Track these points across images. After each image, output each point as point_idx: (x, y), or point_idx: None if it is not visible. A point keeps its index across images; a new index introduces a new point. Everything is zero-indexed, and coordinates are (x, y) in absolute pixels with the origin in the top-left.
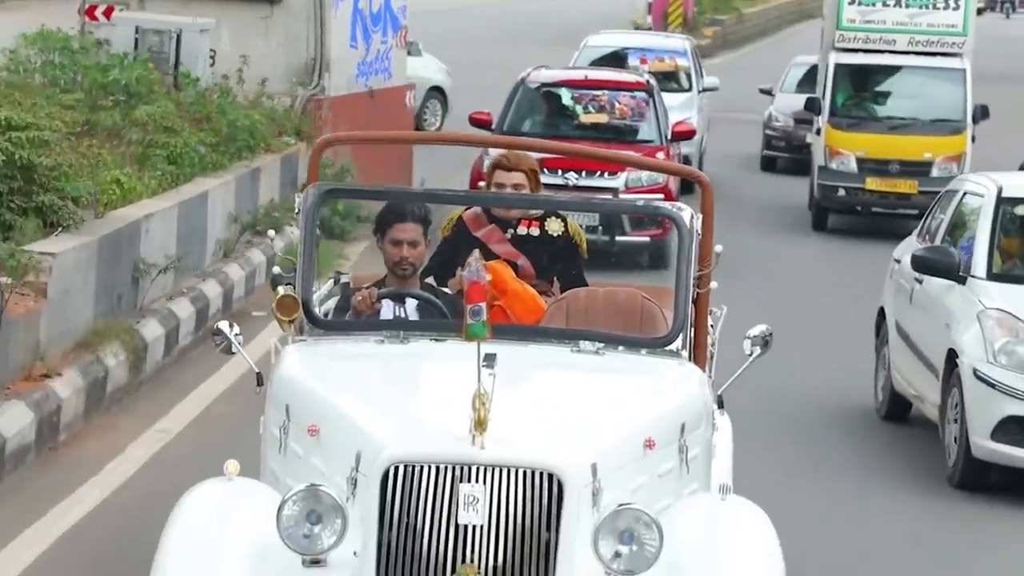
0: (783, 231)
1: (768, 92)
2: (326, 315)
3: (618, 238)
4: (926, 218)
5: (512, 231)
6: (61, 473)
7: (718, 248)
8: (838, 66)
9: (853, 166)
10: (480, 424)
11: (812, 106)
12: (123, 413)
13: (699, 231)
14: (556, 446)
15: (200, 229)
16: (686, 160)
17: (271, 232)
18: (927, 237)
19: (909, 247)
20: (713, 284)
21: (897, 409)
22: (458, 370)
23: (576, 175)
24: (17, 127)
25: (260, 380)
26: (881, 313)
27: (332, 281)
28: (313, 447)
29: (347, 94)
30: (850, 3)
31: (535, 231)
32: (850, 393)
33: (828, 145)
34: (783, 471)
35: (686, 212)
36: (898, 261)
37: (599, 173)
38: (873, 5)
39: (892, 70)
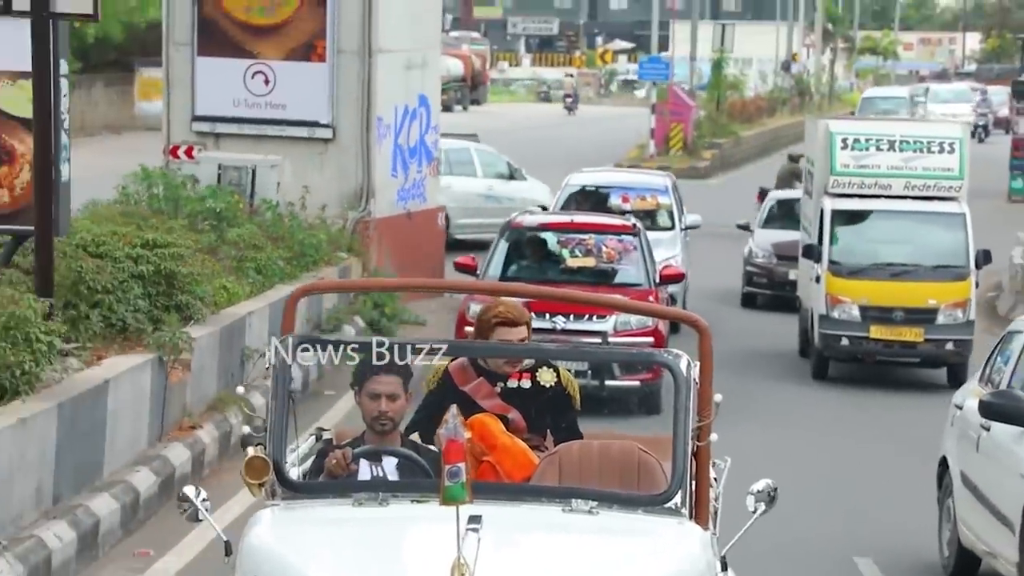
0: (781, 378)
1: (746, 228)
2: (306, 475)
3: (608, 383)
4: (987, 363)
5: (502, 384)
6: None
7: (718, 397)
8: (835, 212)
9: (856, 314)
10: None
11: (810, 253)
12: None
13: (696, 380)
14: None
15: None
16: (671, 299)
17: (240, 389)
18: (989, 382)
19: (968, 393)
20: (713, 436)
21: (966, 565)
22: (439, 535)
23: (564, 319)
24: (160, 245)
25: (228, 549)
26: (943, 463)
27: (314, 438)
28: None
29: (389, 216)
30: (842, 148)
31: (526, 383)
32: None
33: (829, 293)
34: None
35: (682, 360)
36: (959, 407)
37: (587, 317)
38: (866, 150)
39: (890, 215)
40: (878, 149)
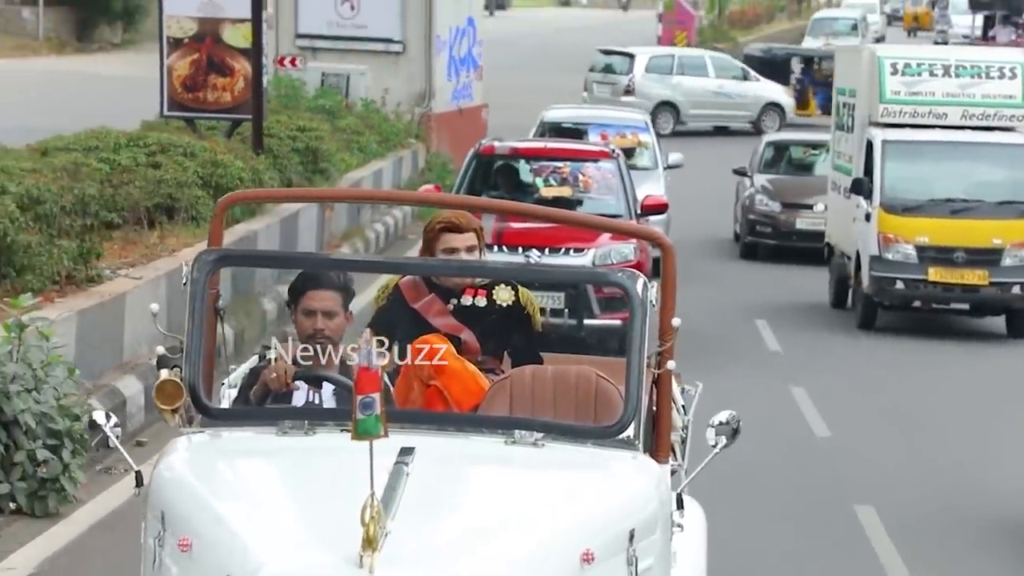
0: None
1: (743, 173)
2: (239, 394)
3: (586, 322)
4: None
5: (455, 301)
6: None
7: (676, 321)
8: (886, 144)
9: (912, 255)
10: (370, 542)
11: (859, 188)
12: None
13: (654, 301)
14: (464, 566)
15: (384, 186)
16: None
17: (154, 306)
18: None
19: None
20: (671, 364)
21: None
22: (366, 471)
23: (538, 252)
24: (308, 129)
25: (139, 479)
26: None
27: (258, 357)
28: (185, 566)
29: (445, 111)
30: (892, 74)
31: (481, 301)
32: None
33: (882, 232)
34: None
35: (638, 279)
36: None
37: (563, 250)
38: (919, 75)
39: (948, 147)
40: (931, 74)
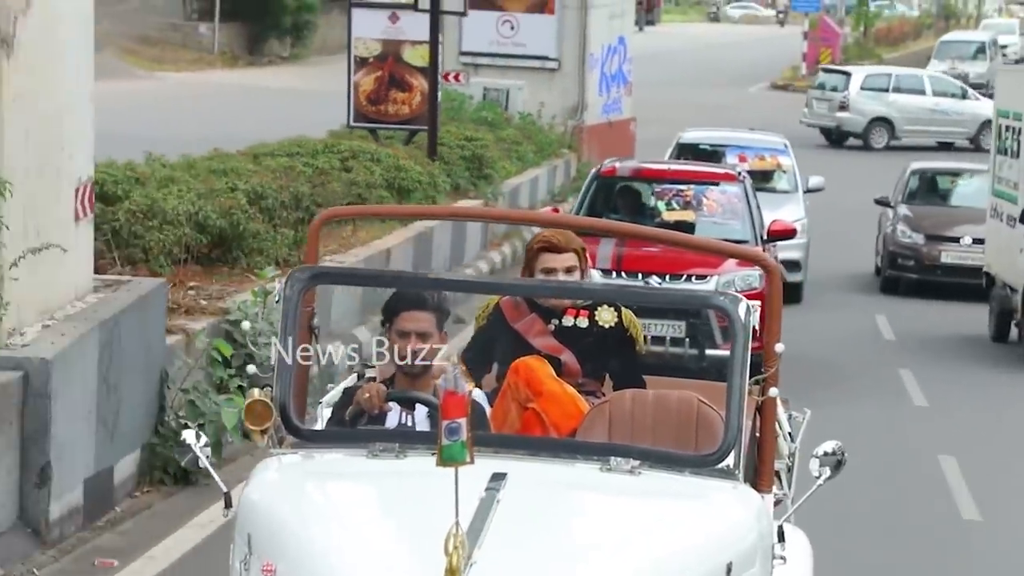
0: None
1: (885, 203)
2: (332, 414)
3: (708, 351)
4: None
5: (556, 322)
6: None
7: (780, 347)
8: None
9: None
10: (452, 573)
11: None
12: None
13: (756, 326)
14: None
15: (539, 192)
16: (793, 264)
17: (245, 324)
18: None
19: None
20: (773, 391)
21: None
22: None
23: (659, 279)
24: (475, 139)
25: (228, 501)
26: None
27: (356, 376)
28: None
29: (596, 124)
30: None
31: (583, 322)
32: None
33: None
34: None
35: (740, 303)
36: None
37: (684, 277)
38: None
39: None
40: None
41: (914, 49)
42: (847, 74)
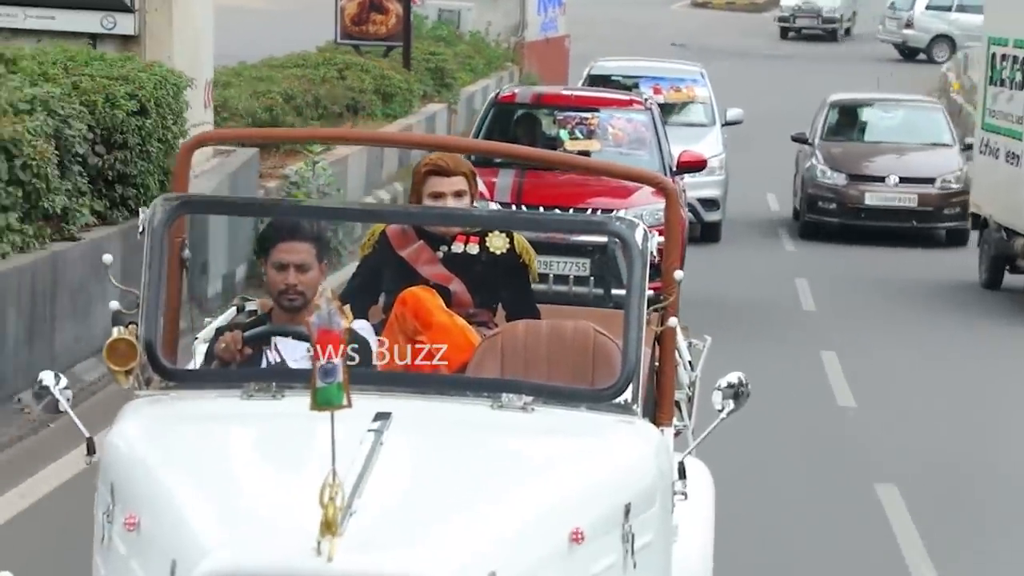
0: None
1: (803, 140)
2: (205, 357)
3: (615, 291)
4: None
5: (445, 248)
6: None
7: (679, 274)
8: None
9: None
10: (329, 525)
11: None
12: None
13: (655, 252)
14: (436, 551)
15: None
16: (711, 202)
17: (107, 257)
18: None
19: None
20: (673, 320)
21: None
22: (336, 439)
23: (561, 214)
24: (436, 53)
25: (91, 447)
26: None
27: (235, 309)
28: (131, 546)
29: (535, 40)
30: None
31: (473, 248)
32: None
33: None
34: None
35: (637, 228)
36: None
37: (589, 211)
38: None
39: None
40: None
41: None
42: None
